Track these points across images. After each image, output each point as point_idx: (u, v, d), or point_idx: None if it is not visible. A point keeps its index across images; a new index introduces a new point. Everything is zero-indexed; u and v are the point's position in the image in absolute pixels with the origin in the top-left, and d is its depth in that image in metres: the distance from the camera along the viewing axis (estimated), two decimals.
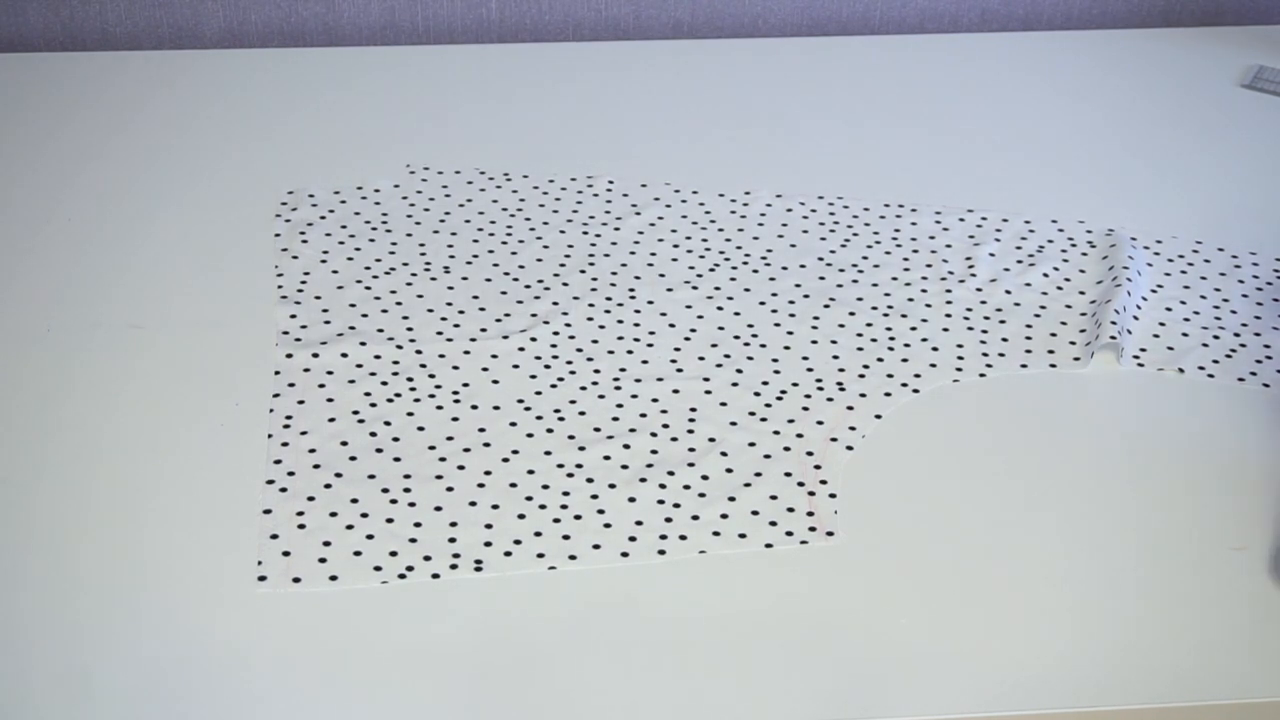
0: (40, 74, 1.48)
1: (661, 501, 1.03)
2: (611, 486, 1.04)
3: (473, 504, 1.02)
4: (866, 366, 1.15)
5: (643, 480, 1.05)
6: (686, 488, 1.04)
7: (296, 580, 0.96)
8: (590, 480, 1.05)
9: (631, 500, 1.03)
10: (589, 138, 1.41)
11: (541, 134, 1.42)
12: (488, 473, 1.05)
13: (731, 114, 1.46)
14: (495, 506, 1.02)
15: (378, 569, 0.97)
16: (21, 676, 0.90)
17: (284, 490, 1.03)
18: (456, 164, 1.36)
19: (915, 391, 1.13)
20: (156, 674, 0.91)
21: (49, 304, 1.19)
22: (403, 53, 1.56)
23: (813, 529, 1.02)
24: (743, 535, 1.01)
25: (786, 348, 1.17)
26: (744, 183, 1.35)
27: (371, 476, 1.04)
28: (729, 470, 1.06)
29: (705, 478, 1.05)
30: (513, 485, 1.04)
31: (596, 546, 1.00)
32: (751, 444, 1.08)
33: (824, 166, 1.38)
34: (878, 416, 1.11)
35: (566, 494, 1.03)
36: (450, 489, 1.03)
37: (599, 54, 1.56)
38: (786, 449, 1.08)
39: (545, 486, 1.04)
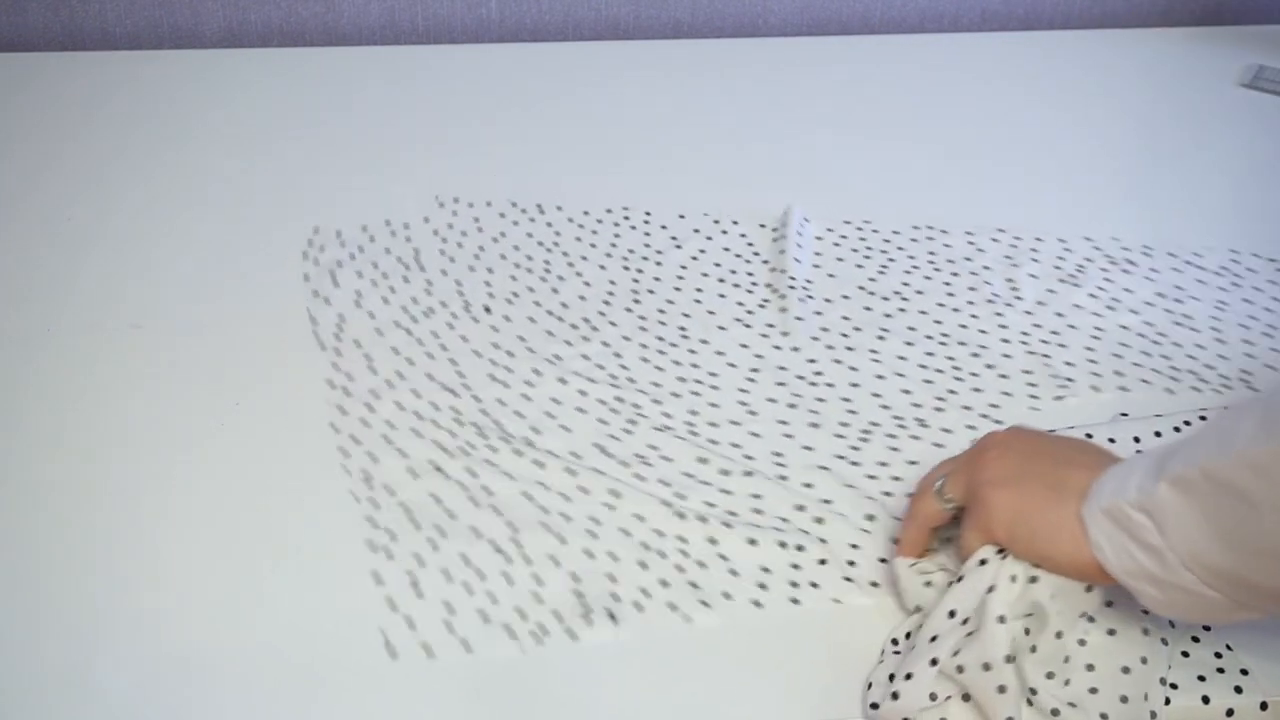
0: (40, 74, 1.46)
1: (784, 544, 0.98)
2: (727, 525, 0.99)
3: (589, 554, 0.96)
4: (941, 399, 1.12)
5: (757, 525, 0.99)
6: (805, 533, 0.99)
7: (429, 653, 0.89)
8: (703, 519, 0.99)
9: (752, 542, 0.98)
10: (593, 142, 1.40)
11: (545, 136, 1.40)
12: (595, 520, 0.99)
13: (735, 115, 1.45)
14: (614, 557, 0.96)
15: (511, 634, 0.90)
16: (22, 679, 0.86)
17: (389, 555, 0.95)
18: (463, 169, 1.34)
19: (998, 422, 1.10)
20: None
21: (49, 304, 1.16)
22: (403, 53, 1.55)
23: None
24: (875, 584, 0.96)
25: (854, 385, 1.13)
26: (756, 203, 1.32)
27: (476, 532, 0.97)
28: (841, 514, 1.01)
29: (820, 520, 1.00)
30: (624, 533, 0.98)
31: (727, 595, 0.94)
32: (849, 485, 1.03)
33: (841, 183, 1.36)
34: None
35: (683, 539, 0.98)
36: (562, 540, 0.97)
37: (599, 54, 1.56)
38: (887, 494, 1.03)
39: (660, 533, 0.98)
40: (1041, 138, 1.44)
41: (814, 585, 0.96)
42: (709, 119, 1.45)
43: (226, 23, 1.56)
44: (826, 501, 1.02)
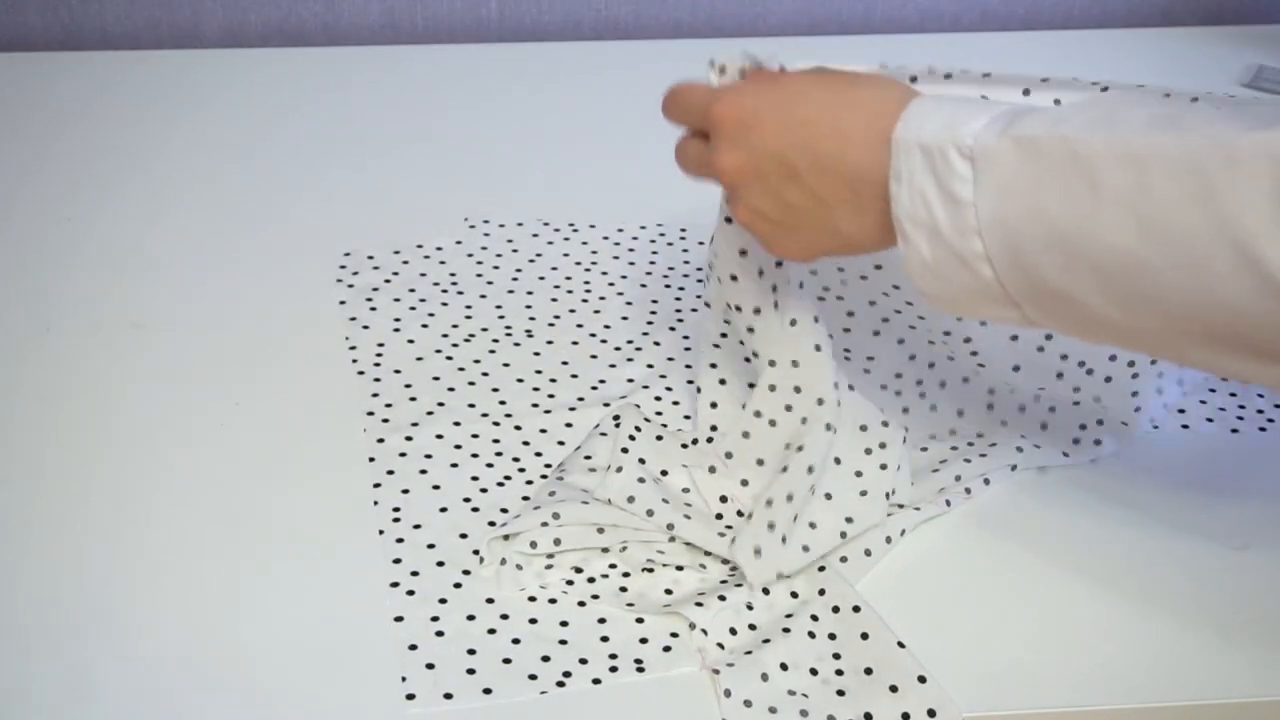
0: (40, 74, 1.46)
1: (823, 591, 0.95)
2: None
3: (621, 591, 0.94)
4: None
5: (805, 549, 0.96)
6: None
7: (448, 696, 0.87)
8: (731, 579, 0.96)
9: (794, 595, 0.95)
10: (606, 146, 1.39)
11: (552, 138, 1.40)
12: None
13: None
14: (643, 598, 0.94)
15: (533, 677, 0.88)
16: (20, 680, 0.86)
17: (411, 593, 0.93)
18: (465, 169, 1.34)
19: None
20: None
21: (48, 304, 1.16)
22: (403, 53, 1.56)
23: None
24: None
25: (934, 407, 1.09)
26: None
27: (502, 570, 0.95)
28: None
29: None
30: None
31: (767, 641, 0.91)
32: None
33: None
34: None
35: (723, 582, 0.95)
36: (590, 580, 0.95)
37: (599, 54, 1.56)
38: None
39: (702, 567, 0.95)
40: None
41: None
42: None
43: (226, 23, 1.57)
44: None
